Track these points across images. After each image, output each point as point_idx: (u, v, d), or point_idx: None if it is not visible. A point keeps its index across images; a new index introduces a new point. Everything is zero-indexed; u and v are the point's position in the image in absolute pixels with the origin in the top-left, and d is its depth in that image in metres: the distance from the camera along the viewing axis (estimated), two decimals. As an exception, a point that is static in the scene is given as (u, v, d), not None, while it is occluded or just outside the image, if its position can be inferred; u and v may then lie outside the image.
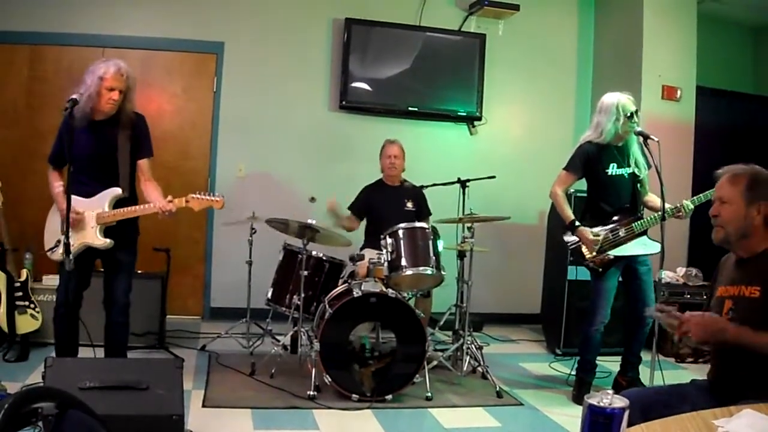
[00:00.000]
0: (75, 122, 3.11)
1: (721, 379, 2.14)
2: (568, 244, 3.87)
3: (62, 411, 1.61)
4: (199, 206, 3.28)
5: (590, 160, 3.77)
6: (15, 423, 1.48)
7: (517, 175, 5.83)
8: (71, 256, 2.96)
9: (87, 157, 3.18)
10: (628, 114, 3.65)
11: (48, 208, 3.41)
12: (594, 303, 3.78)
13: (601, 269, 3.72)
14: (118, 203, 3.27)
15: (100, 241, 3.23)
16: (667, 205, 3.58)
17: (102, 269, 3.43)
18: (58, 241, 3.30)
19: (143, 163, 3.37)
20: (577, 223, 3.75)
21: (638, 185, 3.80)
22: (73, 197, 3.27)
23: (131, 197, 3.35)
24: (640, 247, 3.70)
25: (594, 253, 3.70)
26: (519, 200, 5.74)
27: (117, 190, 3.25)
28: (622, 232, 3.70)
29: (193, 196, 3.27)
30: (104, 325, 3.39)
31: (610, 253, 3.68)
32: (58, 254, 3.29)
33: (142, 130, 3.36)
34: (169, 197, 3.24)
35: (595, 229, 3.71)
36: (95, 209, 3.22)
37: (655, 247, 3.64)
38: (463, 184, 4.65)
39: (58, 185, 3.32)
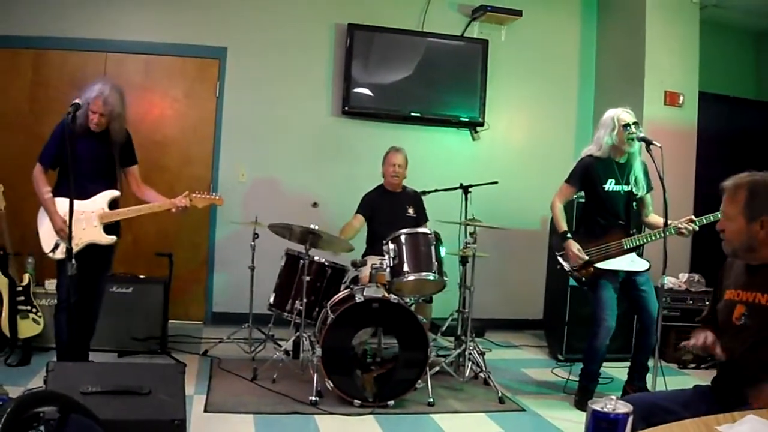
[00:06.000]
0: (76, 128, 3.26)
1: (725, 385, 2.13)
2: (557, 254, 3.96)
3: (64, 415, 1.62)
4: (203, 204, 3.72)
5: (589, 174, 3.83)
6: (17, 427, 1.48)
7: (519, 180, 5.82)
8: (74, 261, 3.00)
9: (87, 161, 3.40)
10: (624, 123, 3.69)
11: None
12: (596, 314, 3.77)
13: (584, 279, 3.79)
14: (111, 205, 3.54)
15: (106, 239, 3.48)
16: (674, 223, 3.57)
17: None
18: (58, 241, 3.38)
19: (134, 170, 3.72)
20: (568, 235, 3.80)
21: (634, 204, 3.84)
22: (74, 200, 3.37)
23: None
24: (627, 263, 3.75)
25: (577, 266, 3.77)
26: (521, 206, 5.73)
27: (115, 192, 3.56)
28: (610, 247, 3.74)
29: (194, 195, 3.66)
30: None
31: (596, 265, 3.74)
32: (60, 253, 3.36)
33: (130, 144, 3.69)
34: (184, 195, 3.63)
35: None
36: (95, 209, 3.46)
37: (643, 265, 3.75)
38: (465, 189, 4.64)
39: (46, 191, 3.43)
